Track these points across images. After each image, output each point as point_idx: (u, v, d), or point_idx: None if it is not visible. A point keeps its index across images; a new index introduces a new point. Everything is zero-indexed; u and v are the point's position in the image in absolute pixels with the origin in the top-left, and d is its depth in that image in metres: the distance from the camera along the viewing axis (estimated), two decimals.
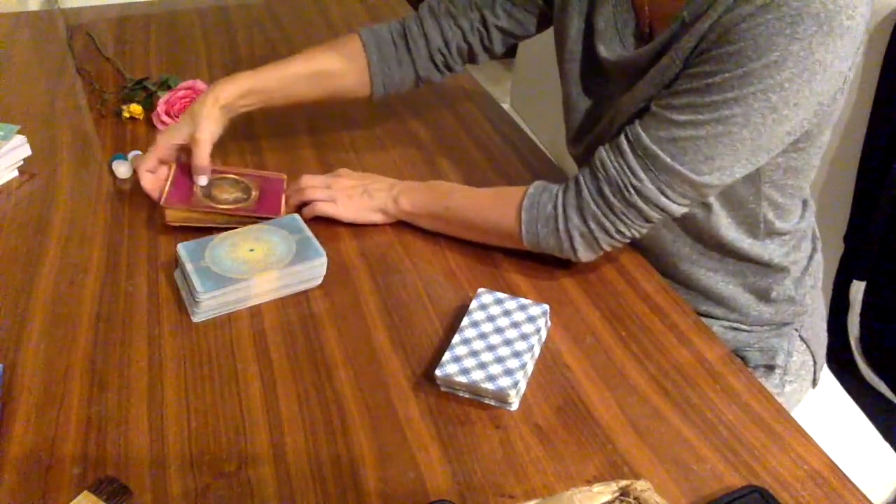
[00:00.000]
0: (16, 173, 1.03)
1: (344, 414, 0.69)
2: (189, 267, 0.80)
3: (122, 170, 1.02)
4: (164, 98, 1.13)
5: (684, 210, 0.76)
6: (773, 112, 0.69)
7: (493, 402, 0.69)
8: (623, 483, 0.58)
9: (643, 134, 0.73)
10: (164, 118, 1.13)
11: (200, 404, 0.69)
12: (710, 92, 0.69)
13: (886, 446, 1.03)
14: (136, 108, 1.16)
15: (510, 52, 1.80)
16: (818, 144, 0.80)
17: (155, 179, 0.93)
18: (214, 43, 1.45)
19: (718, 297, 0.91)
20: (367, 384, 0.72)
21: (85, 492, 0.60)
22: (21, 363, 0.74)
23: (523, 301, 0.77)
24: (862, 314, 1.33)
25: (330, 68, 1.00)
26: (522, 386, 0.70)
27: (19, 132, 1.04)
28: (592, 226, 0.77)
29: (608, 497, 0.57)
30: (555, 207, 0.78)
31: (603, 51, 0.84)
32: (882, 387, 1.35)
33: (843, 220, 1.22)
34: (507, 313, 0.75)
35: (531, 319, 0.74)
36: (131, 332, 0.77)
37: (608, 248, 0.80)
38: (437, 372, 0.69)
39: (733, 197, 0.82)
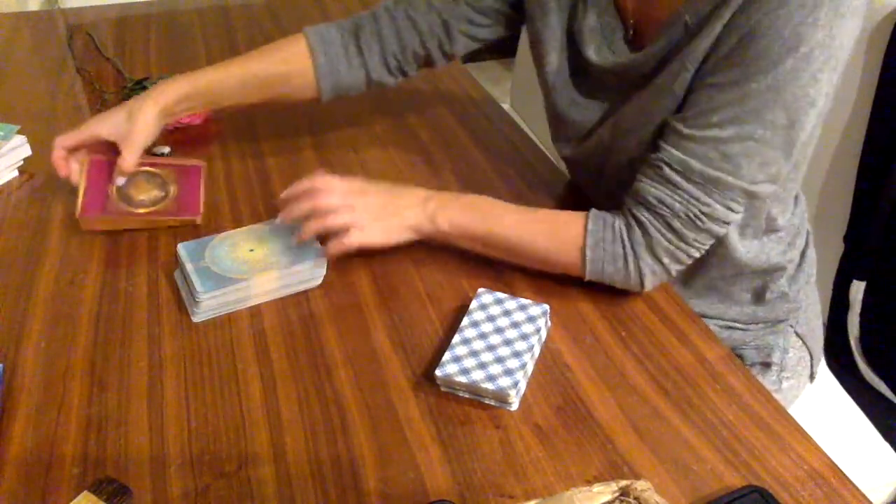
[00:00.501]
0: (16, 173, 1.03)
1: (344, 414, 0.69)
2: (189, 267, 0.80)
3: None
4: None
5: (742, 214, 0.75)
6: (812, 106, 0.68)
7: (493, 402, 0.69)
8: (623, 483, 0.58)
9: (692, 161, 0.71)
10: None
11: (200, 404, 0.69)
12: (749, 100, 0.68)
13: (886, 446, 1.03)
14: None
15: (510, 52, 1.80)
16: (814, 134, 0.80)
17: (65, 158, 0.90)
18: (214, 43, 1.45)
19: (717, 301, 0.91)
20: (367, 384, 0.72)
21: (85, 492, 0.60)
22: (21, 363, 0.74)
23: (523, 301, 0.77)
24: (862, 314, 1.33)
25: (273, 71, 0.96)
26: (522, 386, 0.70)
27: (19, 132, 1.04)
28: (666, 261, 0.75)
29: (608, 497, 0.57)
30: (623, 247, 0.76)
31: (593, 57, 0.83)
32: (882, 387, 1.35)
33: (843, 220, 1.21)
34: (507, 313, 0.75)
35: (531, 319, 0.74)
36: (131, 332, 0.77)
37: (676, 274, 0.78)
38: (437, 372, 0.69)
39: None
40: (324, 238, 0.82)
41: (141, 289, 0.83)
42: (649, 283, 0.78)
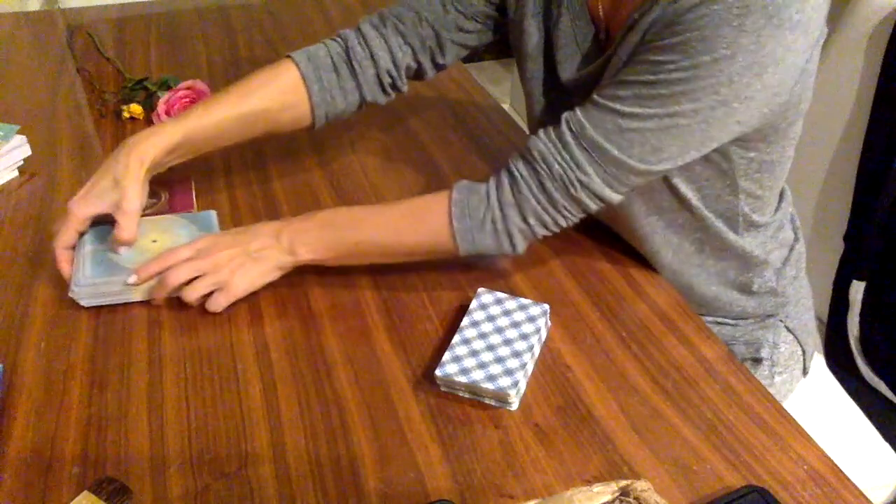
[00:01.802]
0: (16, 173, 1.03)
1: (344, 414, 0.69)
2: (88, 248, 0.80)
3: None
4: (164, 98, 1.13)
5: (622, 198, 0.75)
6: (722, 105, 0.68)
7: (493, 402, 0.69)
8: (623, 483, 0.58)
9: (587, 125, 0.71)
10: (164, 118, 1.13)
11: (200, 404, 0.69)
12: (657, 85, 0.68)
13: (886, 446, 1.03)
14: (136, 108, 1.16)
15: (510, 53, 1.80)
16: (790, 136, 0.79)
17: (71, 258, 0.81)
18: (214, 43, 1.45)
19: (701, 296, 0.91)
20: (367, 384, 0.72)
21: (85, 492, 0.60)
22: (21, 363, 0.74)
23: (523, 301, 0.77)
24: (862, 314, 1.33)
25: (266, 106, 0.89)
26: (522, 386, 0.70)
27: (19, 132, 1.04)
28: (532, 221, 0.75)
29: (608, 497, 0.57)
30: (490, 210, 0.75)
31: (563, 72, 0.83)
32: (882, 387, 1.35)
33: (843, 220, 1.22)
34: (507, 313, 0.75)
35: (531, 319, 0.74)
36: (131, 332, 0.77)
37: (541, 238, 0.78)
38: (437, 372, 0.69)
39: (710, 193, 0.81)
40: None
41: None
42: (521, 245, 0.77)
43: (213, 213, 0.89)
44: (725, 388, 0.72)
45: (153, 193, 0.95)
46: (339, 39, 0.93)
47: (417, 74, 0.96)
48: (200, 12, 1.60)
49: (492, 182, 0.76)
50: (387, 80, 0.94)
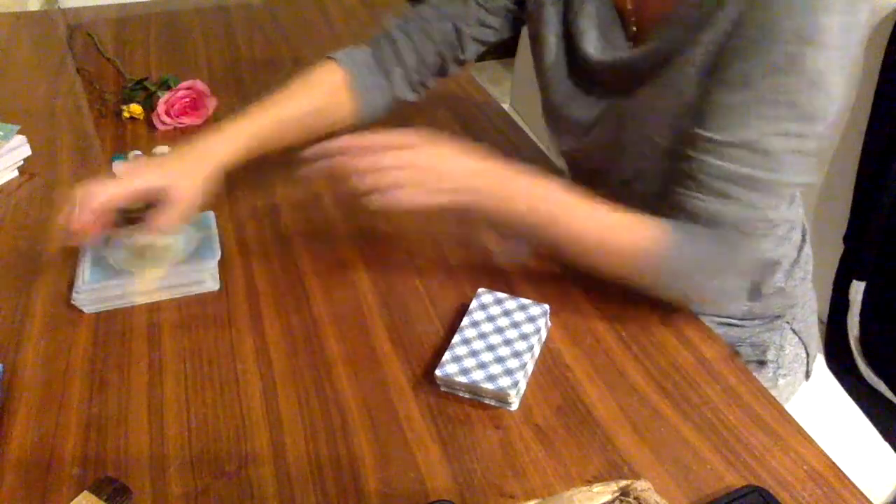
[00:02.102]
0: (16, 173, 1.03)
1: (344, 414, 0.69)
2: (89, 255, 0.80)
3: (121, 170, 1.02)
4: (164, 98, 1.13)
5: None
6: (836, 93, 0.67)
7: (493, 402, 0.69)
8: (623, 483, 0.58)
9: (733, 166, 0.68)
10: (164, 118, 1.13)
11: (200, 404, 0.69)
12: (777, 95, 0.66)
13: (886, 446, 1.03)
14: (136, 108, 1.16)
15: (510, 52, 1.80)
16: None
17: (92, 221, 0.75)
18: (214, 43, 1.45)
19: None
20: (367, 384, 0.72)
21: (85, 492, 0.60)
22: (21, 363, 0.74)
23: (523, 301, 0.77)
24: (862, 314, 1.33)
25: (320, 106, 0.92)
26: (522, 386, 0.70)
27: (19, 132, 1.04)
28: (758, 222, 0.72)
29: (608, 497, 0.57)
30: (719, 245, 0.72)
31: (592, 53, 0.82)
32: (882, 387, 1.35)
33: (843, 220, 1.21)
34: (507, 313, 0.75)
35: (531, 319, 0.74)
36: (131, 332, 0.77)
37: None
38: (438, 372, 0.69)
39: None
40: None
41: None
42: (749, 265, 0.75)
43: (211, 214, 0.90)
44: (725, 388, 0.71)
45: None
46: (371, 42, 0.96)
47: (442, 71, 0.98)
48: (200, 12, 1.60)
49: (707, 229, 0.72)
50: (415, 79, 0.97)
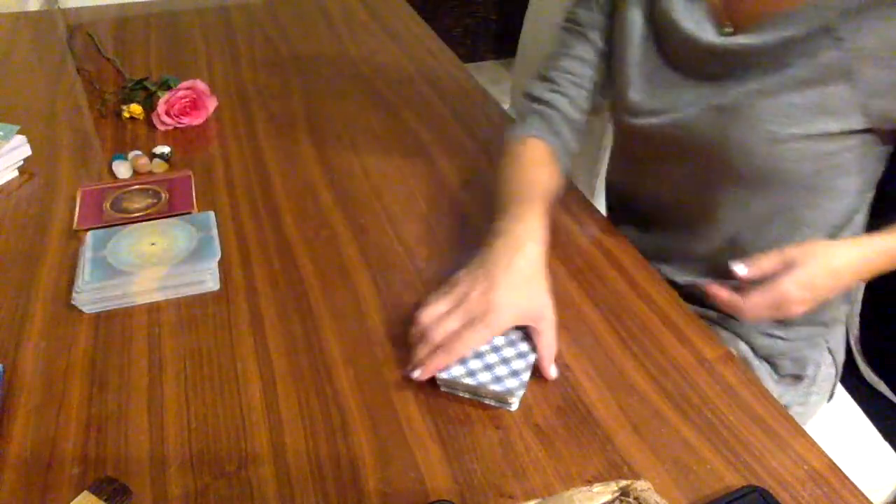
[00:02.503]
0: (16, 173, 1.03)
1: (344, 414, 0.69)
2: (88, 255, 0.80)
3: (122, 170, 1.02)
4: (164, 98, 1.13)
5: None
6: None
7: (493, 403, 0.69)
8: (623, 483, 0.58)
9: None
10: (164, 118, 1.13)
11: (200, 404, 0.69)
12: None
13: (886, 446, 1.03)
14: (136, 108, 1.16)
15: (510, 53, 1.80)
16: None
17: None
18: (214, 43, 1.45)
19: None
20: (367, 384, 0.72)
21: (85, 492, 0.60)
22: (21, 363, 0.74)
23: None
24: (862, 314, 1.33)
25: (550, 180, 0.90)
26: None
27: (19, 132, 1.04)
28: None
29: (608, 497, 0.57)
30: None
31: (698, 34, 0.81)
32: (882, 387, 1.35)
33: None
34: None
35: None
36: (131, 332, 0.77)
37: None
38: (443, 374, 0.69)
39: (865, 190, 0.82)
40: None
41: None
42: None
43: (211, 214, 0.90)
44: (725, 388, 0.71)
45: (153, 193, 0.95)
46: (533, 113, 0.95)
47: (594, 109, 0.97)
48: (200, 12, 1.60)
49: None
50: (578, 128, 0.95)
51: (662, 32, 0.86)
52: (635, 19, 0.87)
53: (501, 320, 0.69)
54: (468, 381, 0.68)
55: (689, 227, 0.92)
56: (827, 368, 0.97)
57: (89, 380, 0.72)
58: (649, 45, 0.87)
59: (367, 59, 1.40)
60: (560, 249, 0.89)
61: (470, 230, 0.92)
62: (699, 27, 0.82)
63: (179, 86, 1.15)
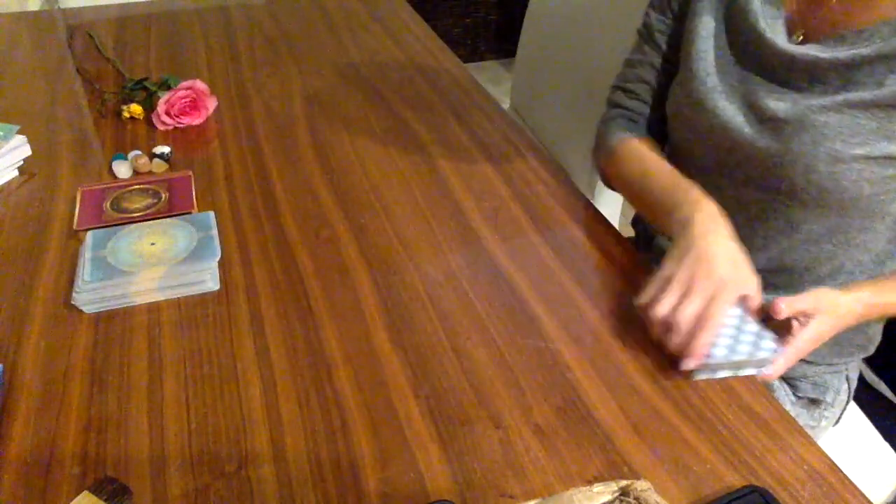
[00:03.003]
0: (16, 173, 1.03)
1: (344, 414, 0.69)
2: (88, 255, 0.80)
3: (122, 170, 1.02)
4: (164, 98, 1.13)
5: None
6: None
7: (753, 371, 0.72)
8: (623, 483, 0.58)
9: None
10: (164, 118, 1.13)
11: (200, 404, 0.69)
12: None
13: (886, 446, 1.03)
14: (136, 108, 1.16)
15: (510, 53, 1.80)
16: None
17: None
18: (214, 43, 1.45)
19: None
20: (367, 384, 0.72)
21: (85, 492, 0.60)
22: (21, 363, 0.74)
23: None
24: None
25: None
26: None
27: (19, 132, 1.04)
28: None
29: (608, 497, 0.57)
30: None
31: (783, 43, 0.80)
32: (882, 387, 1.35)
33: None
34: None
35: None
36: (131, 332, 0.77)
37: None
38: (706, 360, 0.70)
39: None
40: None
41: None
42: None
43: (211, 214, 0.90)
44: (725, 388, 0.71)
45: (153, 193, 0.95)
46: (625, 118, 0.98)
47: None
48: (200, 12, 1.60)
49: None
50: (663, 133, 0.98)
51: (735, 29, 0.85)
52: (707, 20, 0.87)
53: (733, 293, 0.72)
54: (735, 357, 0.70)
55: None
56: (842, 396, 0.97)
57: (89, 380, 0.72)
58: (721, 42, 0.86)
59: (367, 59, 1.40)
60: (561, 250, 0.89)
61: (470, 230, 0.92)
62: (772, 30, 0.81)
63: (179, 86, 1.15)
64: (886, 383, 1.33)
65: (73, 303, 0.79)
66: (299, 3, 1.65)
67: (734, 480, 0.63)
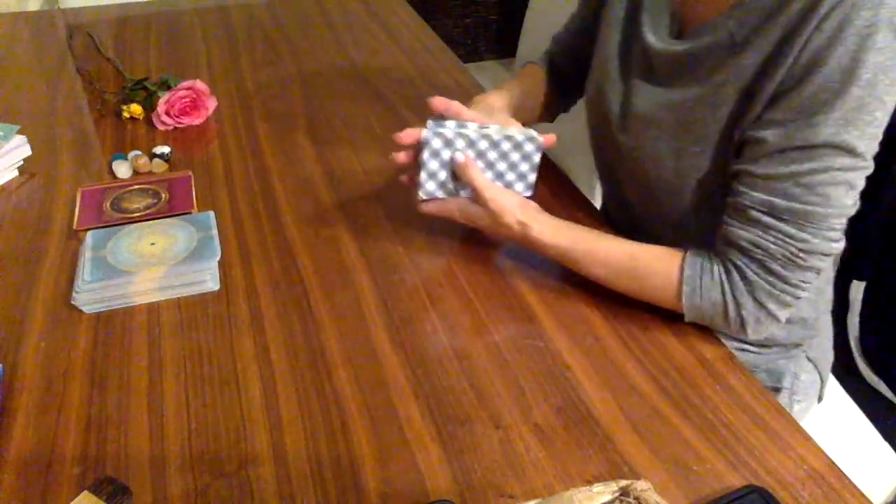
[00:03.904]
0: (16, 173, 1.03)
1: (344, 414, 0.69)
2: (88, 255, 0.80)
3: (122, 170, 1.02)
4: (164, 98, 1.13)
5: (843, 244, 0.72)
6: (880, 126, 0.67)
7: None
8: (623, 483, 0.58)
9: (776, 200, 0.69)
10: (164, 118, 1.13)
11: (200, 404, 0.69)
12: (820, 132, 0.66)
13: (886, 446, 1.03)
14: (136, 108, 1.16)
15: (510, 53, 1.80)
16: None
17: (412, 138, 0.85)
18: (214, 43, 1.45)
19: None
20: (367, 384, 0.72)
21: (85, 492, 0.60)
22: (21, 363, 0.74)
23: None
24: (862, 314, 1.33)
25: (536, 90, 1.05)
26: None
27: (19, 132, 1.04)
28: (771, 306, 0.72)
29: (608, 497, 0.57)
30: (723, 294, 0.73)
31: (650, 38, 0.82)
32: (882, 387, 1.35)
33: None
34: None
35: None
36: (131, 332, 0.77)
37: (783, 319, 0.75)
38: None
39: None
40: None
41: None
42: (752, 330, 0.75)
43: (211, 214, 0.90)
44: (725, 388, 0.71)
45: (153, 193, 0.95)
46: (544, 57, 1.08)
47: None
48: (200, 12, 1.60)
49: (720, 266, 0.74)
50: (570, 95, 1.08)
51: (627, 22, 0.87)
52: (618, 7, 0.88)
53: None
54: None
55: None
56: (808, 376, 0.96)
57: (89, 380, 0.72)
58: (622, 32, 0.88)
59: (367, 59, 1.40)
60: None
61: (470, 229, 0.92)
62: (654, 24, 0.83)
63: (179, 86, 1.15)
64: (886, 383, 1.33)
65: (73, 303, 0.79)
66: (299, 3, 1.65)
67: (734, 480, 0.63)
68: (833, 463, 0.65)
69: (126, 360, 0.74)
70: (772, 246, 0.70)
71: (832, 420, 1.05)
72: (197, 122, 1.15)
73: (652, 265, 0.77)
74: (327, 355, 0.75)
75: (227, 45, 1.44)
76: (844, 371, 1.09)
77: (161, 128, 1.14)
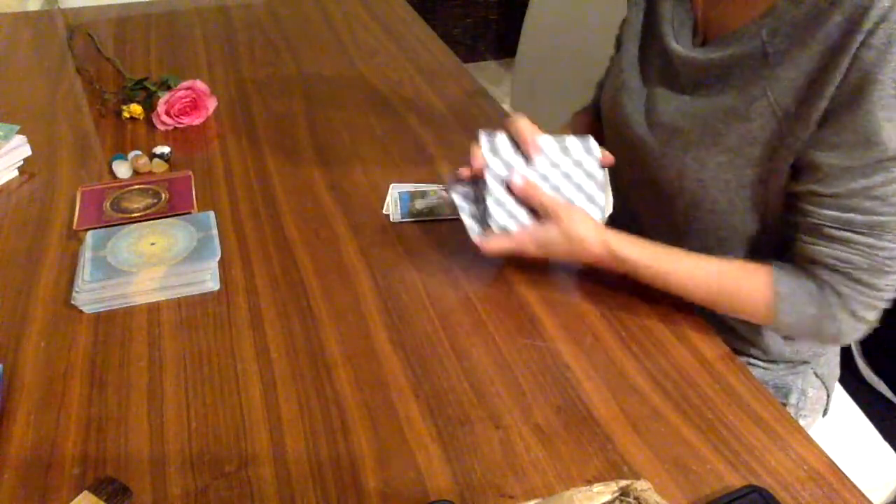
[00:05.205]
0: (16, 173, 1.03)
1: (344, 414, 0.69)
2: (88, 255, 0.80)
3: (122, 170, 1.02)
4: (164, 98, 1.13)
5: None
6: None
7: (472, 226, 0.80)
8: (623, 483, 0.58)
9: (852, 215, 0.69)
10: (164, 118, 1.13)
11: (200, 404, 0.69)
12: (885, 148, 0.66)
13: (886, 446, 1.03)
14: (136, 108, 1.16)
15: (510, 53, 1.80)
16: None
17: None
18: (214, 43, 1.45)
19: (744, 334, 0.90)
20: (367, 384, 0.72)
21: (85, 492, 0.60)
22: (21, 363, 0.74)
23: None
24: None
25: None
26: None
27: (19, 132, 1.04)
28: (865, 314, 0.72)
29: (608, 497, 0.57)
30: (819, 310, 0.73)
31: (674, 46, 0.81)
32: (882, 387, 1.35)
33: None
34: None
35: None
36: (131, 332, 0.77)
37: (875, 319, 0.74)
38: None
39: None
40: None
41: None
42: (849, 339, 0.76)
43: (211, 214, 0.90)
44: (725, 388, 0.71)
45: (153, 193, 0.95)
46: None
47: None
48: (200, 12, 1.60)
49: (812, 288, 0.74)
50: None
51: (647, 30, 0.86)
52: (637, 16, 0.87)
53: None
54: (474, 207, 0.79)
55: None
56: (815, 392, 0.96)
57: (89, 380, 0.72)
58: (640, 41, 0.88)
59: (367, 59, 1.40)
60: None
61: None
62: (677, 32, 0.82)
63: (179, 86, 1.15)
64: (886, 383, 1.33)
65: (73, 303, 0.79)
66: (299, 3, 1.65)
67: (734, 480, 0.63)
68: (833, 463, 0.65)
69: (126, 360, 0.74)
70: (856, 258, 0.70)
71: (832, 420, 1.05)
72: (197, 122, 1.15)
73: (740, 281, 0.76)
74: (327, 355, 0.75)
75: (227, 45, 1.44)
76: (845, 371, 1.09)
77: (161, 128, 1.14)
